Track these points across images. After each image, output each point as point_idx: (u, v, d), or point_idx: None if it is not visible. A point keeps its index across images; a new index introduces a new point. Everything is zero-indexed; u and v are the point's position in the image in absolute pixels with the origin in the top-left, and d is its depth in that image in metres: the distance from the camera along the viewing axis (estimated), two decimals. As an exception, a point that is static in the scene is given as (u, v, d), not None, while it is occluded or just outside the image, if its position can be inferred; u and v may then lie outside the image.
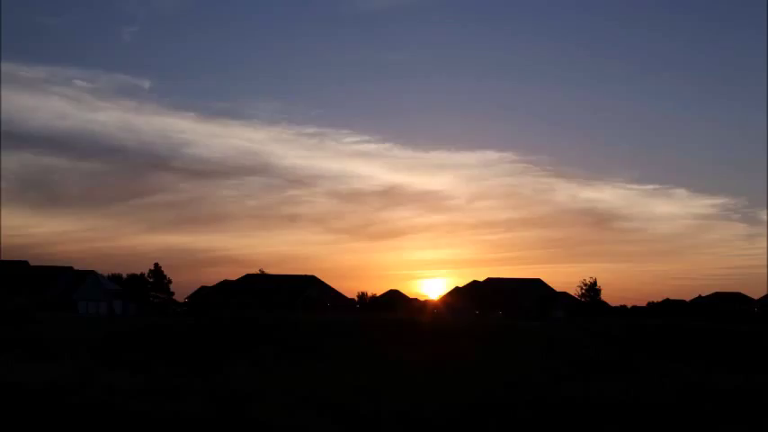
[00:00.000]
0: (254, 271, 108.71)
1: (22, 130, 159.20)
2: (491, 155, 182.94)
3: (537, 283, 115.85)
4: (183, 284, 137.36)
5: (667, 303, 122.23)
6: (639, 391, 17.25)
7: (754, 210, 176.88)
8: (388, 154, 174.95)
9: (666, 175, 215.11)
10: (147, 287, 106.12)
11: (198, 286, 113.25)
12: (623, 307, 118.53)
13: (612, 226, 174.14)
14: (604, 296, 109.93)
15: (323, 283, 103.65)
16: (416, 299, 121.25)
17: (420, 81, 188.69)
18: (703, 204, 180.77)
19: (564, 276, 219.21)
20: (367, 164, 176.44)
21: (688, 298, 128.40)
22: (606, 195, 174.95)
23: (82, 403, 14.38)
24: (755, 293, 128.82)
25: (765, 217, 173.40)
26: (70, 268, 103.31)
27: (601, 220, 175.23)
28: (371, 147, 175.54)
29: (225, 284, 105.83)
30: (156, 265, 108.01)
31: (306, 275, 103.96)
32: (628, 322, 52.63)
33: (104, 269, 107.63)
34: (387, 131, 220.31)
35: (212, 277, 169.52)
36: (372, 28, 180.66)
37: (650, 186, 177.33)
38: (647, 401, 15.86)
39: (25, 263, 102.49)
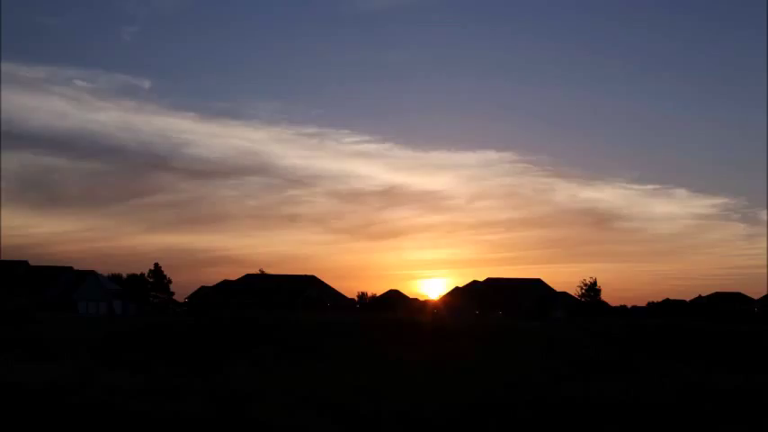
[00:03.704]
0: (254, 271, 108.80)
1: (22, 130, 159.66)
2: (491, 155, 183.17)
3: (537, 283, 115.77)
4: (183, 284, 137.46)
5: (667, 303, 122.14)
6: (639, 391, 17.25)
7: (754, 210, 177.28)
8: (388, 154, 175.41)
9: (666, 175, 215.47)
10: (147, 287, 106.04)
11: (198, 286, 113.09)
12: (623, 307, 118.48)
13: (612, 226, 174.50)
14: (604, 296, 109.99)
15: (323, 283, 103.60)
16: (416, 299, 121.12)
17: (420, 81, 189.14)
18: (703, 204, 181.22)
19: (564, 276, 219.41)
20: (367, 164, 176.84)
21: (688, 298, 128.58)
22: (606, 195, 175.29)
23: (82, 403, 14.38)
24: (755, 293, 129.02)
25: (765, 217, 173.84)
26: (70, 268, 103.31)
27: (601, 220, 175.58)
28: (371, 147, 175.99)
29: (225, 284, 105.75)
30: (156, 265, 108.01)
31: (306, 275, 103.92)
32: (628, 322, 52.61)
33: (104, 269, 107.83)
34: (387, 131, 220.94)
35: (212, 277, 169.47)
36: (372, 28, 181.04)
37: (650, 186, 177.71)
38: (647, 401, 15.86)
39: (25, 263, 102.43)
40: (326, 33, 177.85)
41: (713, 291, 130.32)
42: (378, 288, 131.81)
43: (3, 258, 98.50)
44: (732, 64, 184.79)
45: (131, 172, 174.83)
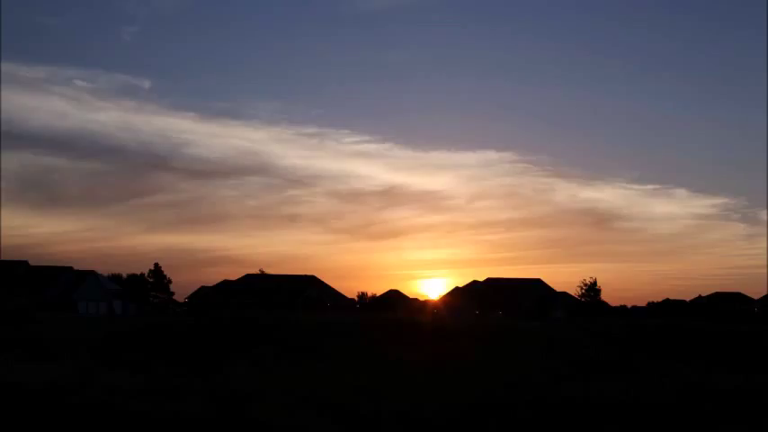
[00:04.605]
0: (254, 271, 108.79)
1: (22, 130, 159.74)
2: (491, 155, 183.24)
3: (537, 283, 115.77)
4: (182, 284, 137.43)
5: (667, 303, 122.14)
6: (639, 391, 17.25)
7: (754, 210, 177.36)
8: (388, 154, 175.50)
9: (666, 175, 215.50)
10: (147, 287, 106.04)
11: (198, 286, 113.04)
12: (623, 307, 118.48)
13: (612, 226, 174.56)
14: (604, 296, 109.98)
15: (323, 283, 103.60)
16: (416, 299, 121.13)
17: (420, 81, 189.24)
18: (703, 204, 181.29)
19: (564, 276, 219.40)
20: (367, 164, 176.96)
21: (688, 298, 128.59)
22: (606, 195, 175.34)
23: (82, 403, 14.38)
24: (755, 293, 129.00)
25: (765, 217, 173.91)
26: (70, 268, 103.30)
27: (601, 220, 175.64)
28: (371, 147, 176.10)
29: (225, 284, 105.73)
30: (156, 265, 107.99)
31: (306, 275, 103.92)
32: (628, 322, 52.60)
33: (104, 269, 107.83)
34: (387, 131, 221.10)
35: (212, 277, 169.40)
36: (372, 28, 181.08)
37: (650, 186, 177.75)
38: (647, 401, 15.86)
39: (25, 263, 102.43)
40: (326, 33, 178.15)
41: (713, 291, 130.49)
42: (378, 288, 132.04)
43: (3, 258, 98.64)
44: (732, 64, 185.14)
45: (131, 172, 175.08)
